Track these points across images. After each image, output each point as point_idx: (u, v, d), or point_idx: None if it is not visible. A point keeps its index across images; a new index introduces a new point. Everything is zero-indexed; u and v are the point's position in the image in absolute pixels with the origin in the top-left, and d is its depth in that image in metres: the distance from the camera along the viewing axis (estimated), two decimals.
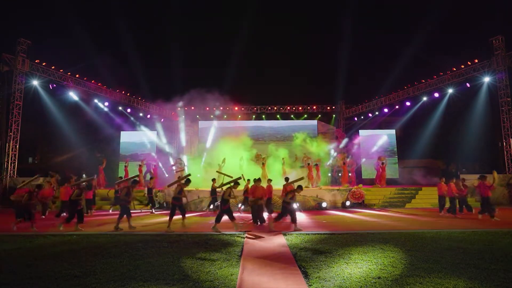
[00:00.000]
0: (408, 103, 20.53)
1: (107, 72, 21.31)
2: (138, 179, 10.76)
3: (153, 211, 12.25)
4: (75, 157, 24.80)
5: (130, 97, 21.32)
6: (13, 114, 15.43)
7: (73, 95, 18.05)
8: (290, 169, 17.15)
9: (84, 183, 9.43)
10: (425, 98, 19.47)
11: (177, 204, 8.45)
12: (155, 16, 39.85)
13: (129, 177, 12.69)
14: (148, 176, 17.15)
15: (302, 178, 9.35)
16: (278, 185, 12.36)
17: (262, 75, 34.93)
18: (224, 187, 8.74)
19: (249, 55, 33.64)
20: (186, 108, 23.88)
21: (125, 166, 17.39)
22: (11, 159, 15.20)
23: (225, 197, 8.33)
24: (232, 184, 8.69)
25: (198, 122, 23.88)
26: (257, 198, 8.98)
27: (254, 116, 24.19)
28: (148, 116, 22.26)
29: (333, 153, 20.61)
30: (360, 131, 20.70)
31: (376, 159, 17.19)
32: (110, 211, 12.39)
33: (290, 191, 8.48)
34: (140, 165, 17.13)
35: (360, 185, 14.53)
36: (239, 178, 9.54)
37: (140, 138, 20.12)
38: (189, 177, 8.92)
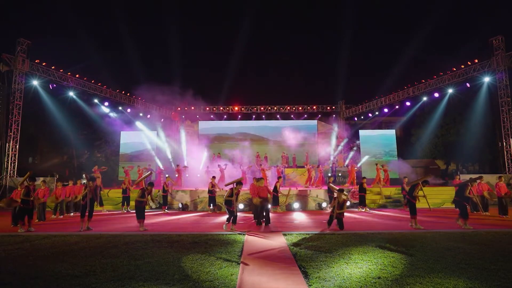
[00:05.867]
0: (408, 103, 20.52)
1: (107, 72, 21.37)
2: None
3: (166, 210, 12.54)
4: (75, 157, 24.81)
5: (130, 97, 21.31)
6: (13, 114, 15.42)
7: (73, 95, 18.05)
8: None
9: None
10: (425, 98, 19.45)
11: (83, 204, 8.21)
12: (156, 16, 39.91)
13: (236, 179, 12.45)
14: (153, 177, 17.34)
15: (240, 179, 9.14)
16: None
17: (262, 75, 34.98)
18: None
19: (249, 55, 33.71)
20: (186, 108, 23.91)
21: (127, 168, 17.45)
22: (11, 159, 15.20)
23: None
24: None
25: (198, 122, 23.89)
26: (262, 197, 9.00)
27: (254, 116, 24.23)
28: (148, 116, 22.25)
29: (333, 153, 20.61)
30: (360, 131, 20.70)
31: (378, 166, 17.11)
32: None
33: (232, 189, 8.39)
34: (139, 169, 17.18)
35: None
36: None
37: (140, 138, 20.09)
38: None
